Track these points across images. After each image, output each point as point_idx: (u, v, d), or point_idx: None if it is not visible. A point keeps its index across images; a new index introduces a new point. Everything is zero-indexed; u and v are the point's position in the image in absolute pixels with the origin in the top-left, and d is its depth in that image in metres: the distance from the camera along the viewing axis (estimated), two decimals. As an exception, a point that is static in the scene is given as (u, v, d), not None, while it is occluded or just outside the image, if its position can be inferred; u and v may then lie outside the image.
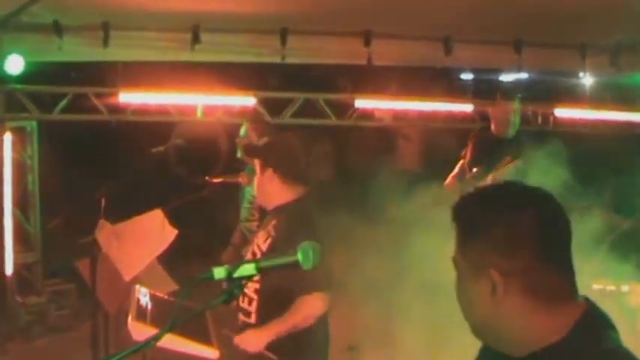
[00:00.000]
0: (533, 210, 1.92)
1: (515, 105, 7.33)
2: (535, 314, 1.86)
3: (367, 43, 8.46)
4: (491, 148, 7.17)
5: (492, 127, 7.39)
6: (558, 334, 1.85)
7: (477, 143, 7.53)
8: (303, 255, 2.70)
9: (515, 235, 1.88)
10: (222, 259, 7.58)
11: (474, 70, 12.83)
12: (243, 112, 9.00)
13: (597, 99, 10.46)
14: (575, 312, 1.87)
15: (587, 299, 1.94)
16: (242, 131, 7.47)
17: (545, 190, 2.01)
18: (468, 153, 7.49)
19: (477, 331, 2.01)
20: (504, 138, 7.27)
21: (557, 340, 1.84)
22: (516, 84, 12.15)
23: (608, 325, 1.91)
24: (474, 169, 7.20)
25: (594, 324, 1.87)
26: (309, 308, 4.29)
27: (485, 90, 9.74)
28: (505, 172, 6.71)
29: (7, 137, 8.91)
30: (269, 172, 4.56)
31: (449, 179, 7.43)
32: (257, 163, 4.65)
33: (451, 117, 10.14)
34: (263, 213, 5.34)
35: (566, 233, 1.95)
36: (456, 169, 7.48)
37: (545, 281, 1.87)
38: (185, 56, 8.50)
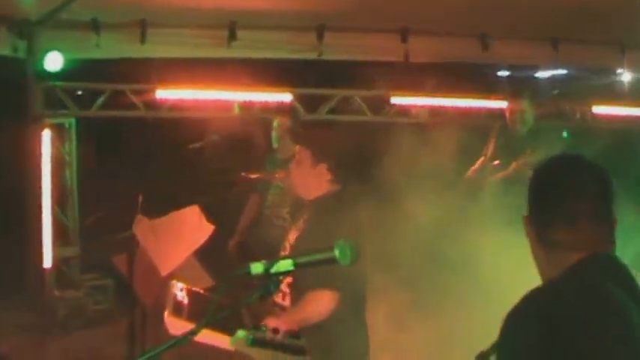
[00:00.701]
0: (559, 179, 2.39)
1: (525, 103, 7.51)
2: (545, 257, 2.37)
3: (404, 39, 8.45)
4: (510, 143, 7.49)
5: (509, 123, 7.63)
6: (557, 272, 2.29)
7: (498, 138, 7.79)
8: (340, 251, 2.70)
9: (538, 198, 2.42)
10: (229, 248, 7.63)
11: (511, 67, 12.74)
12: (280, 109, 9.00)
13: (636, 95, 10.36)
14: (574, 259, 2.28)
15: (600, 253, 2.32)
16: (276, 123, 7.48)
17: (587, 164, 2.41)
18: (490, 147, 7.70)
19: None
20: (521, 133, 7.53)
21: (554, 276, 2.30)
22: (552, 80, 12.11)
23: (600, 273, 2.27)
24: (495, 162, 7.43)
25: (582, 269, 2.27)
26: (315, 304, 4.23)
27: (522, 87, 9.70)
28: (524, 164, 6.97)
29: (47, 133, 8.99)
30: (322, 166, 4.50)
31: (470, 172, 7.67)
32: (307, 154, 4.54)
33: (488, 113, 10.07)
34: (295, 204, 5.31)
35: (589, 199, 2.34)
36: (477, 164, 7.69)
37: (553, 235, 2.33)
38: (222, 53, 8.54)
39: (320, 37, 8.38)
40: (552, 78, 12.28)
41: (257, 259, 2.74)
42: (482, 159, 7.80)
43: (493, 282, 5.35)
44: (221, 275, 5.33)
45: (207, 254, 5.66)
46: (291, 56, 9.19)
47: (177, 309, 4.21)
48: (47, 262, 9.04)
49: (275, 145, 7.46)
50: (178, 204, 5.64)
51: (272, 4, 7.62)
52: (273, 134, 7.45)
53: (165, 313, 4.18)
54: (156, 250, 5.34)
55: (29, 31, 8.55)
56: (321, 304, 4.24)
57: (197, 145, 6.88)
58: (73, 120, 9.52)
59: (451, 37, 8.63)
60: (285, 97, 9.58)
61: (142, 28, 8.29)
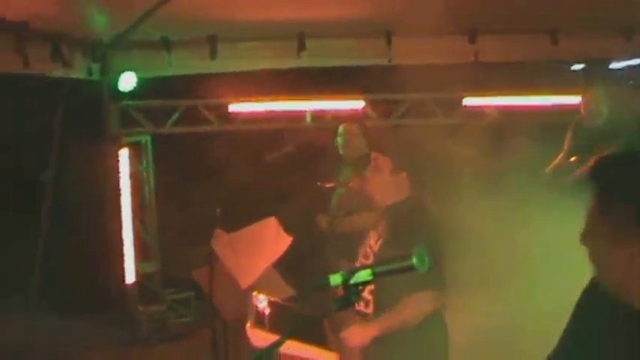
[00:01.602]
0: None
1: (598, 95, 7.39)
2: None
3: (472, 40, 8.38)
4: (587, 136, 7.37)
5: (583, 116, 7.60)
6: None
7: (575, 133, 7.74)
8: (418, 259, 2.69)
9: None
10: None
11: (583, 61, 12.48)
12: (352, 116, 9.00)
13: None
14: None
15: None
16: (342, 128, 7.49)
17: None
18: (567, 143, 7.62)
19: (609, 284, 2.29)
20: (597, 126, 7.43)
21: None
22: (627, 70, 11.87)
23: None
24: (573, 159, 7.33)
25: None
26: (417, 306, 4.22)
27: (595, 79, 9.50)
28: None
29: (124, 152, 9.18)
30: (403, 174, 4.50)
31: (549, 168, 7.62)
32: (387, 162, 4.51)
33: (562, 110, 9.91)
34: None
35: None
36: (557, 159, 7.62)
37: None
38: (291, 63, 8.57)
39: (389, 42, 8.36)
40: (627, 68, 12.00)
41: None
42: (561, 155, 7.72)
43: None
44: (301, 285, 5.39)
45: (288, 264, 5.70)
46: (361, 63, 9.17)
47: (259, 320, 4.25)
48: (130, 277, 9.22)
49: (341, 151, 7.45)
50: (256, 216, 5.69)
51: (339, 12, 7.63)
52: (339, 140, 7.45)
53: (248, 325, 4.21)
54: (235, 263, 5.38)
55: (102, 54, 8.74)
56: (423, 305, 4.25)
57: (273, 156, 6.93)
58: (148, 137, 9.68)
59: (520, 35, 8.54)
60: (357, 104, 9.59)
61: (212, 43, 8.40)
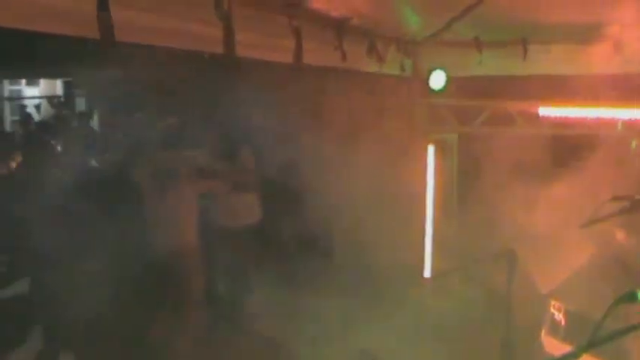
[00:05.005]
0: None
1: None
2: None
3: None
4: None
5: None
6: None
7: None
8: None
9: None
10: None
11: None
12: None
13: None
14: None
15: None
16: (634, 144, 7.20)
17: None
18: None
19: None
20: None
21: None
22: None
23: None
24: None
25: None
26: None
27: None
28: None
29: (430, 148, 9.38)
30: None
31: None
32: None
33: None
34: None
35: None
36: None
37: None
38: (606, 69, 8.31)
39: None
40: None
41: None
42: None
43: None
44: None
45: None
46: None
47: (554, 329, 4.24)
48: (427, 271, 9.42)
49: None
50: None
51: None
52: None
53: (542, 332, 4.22)
54: (537, 266, 5.38)
55: (415, 51, 9.01)
56: None
57: (575, 164, 6.80)
58: (455, 135, 9.81)
59: None
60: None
61: (524, 45, 8.36)
